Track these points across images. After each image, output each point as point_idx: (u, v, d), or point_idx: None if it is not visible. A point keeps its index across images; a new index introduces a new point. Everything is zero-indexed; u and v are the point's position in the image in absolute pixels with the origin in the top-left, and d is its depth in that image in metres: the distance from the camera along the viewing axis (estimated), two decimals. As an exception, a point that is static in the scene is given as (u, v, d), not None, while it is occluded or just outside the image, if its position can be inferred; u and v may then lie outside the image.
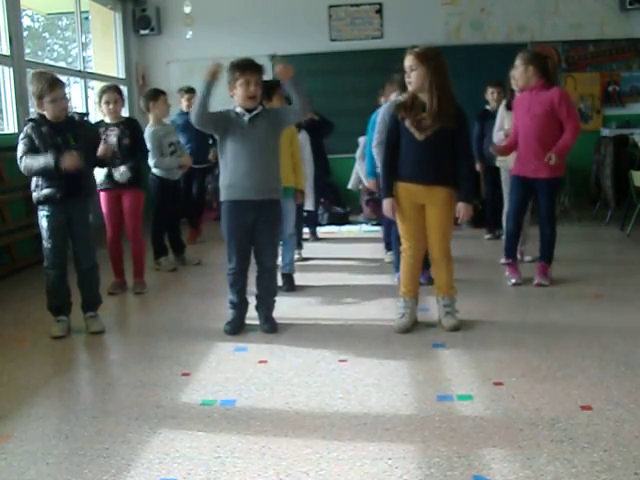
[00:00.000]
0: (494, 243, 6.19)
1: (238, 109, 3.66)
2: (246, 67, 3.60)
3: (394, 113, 3.68)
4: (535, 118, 4.35)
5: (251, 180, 3.64)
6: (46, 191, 3.74)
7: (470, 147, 3.80)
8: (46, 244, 3.80)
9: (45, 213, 3.78)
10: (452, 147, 3.58)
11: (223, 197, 3.74)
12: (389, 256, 5.32)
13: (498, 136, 5.34)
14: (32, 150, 3.66)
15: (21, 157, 3.68)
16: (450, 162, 3.61)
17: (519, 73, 4.42)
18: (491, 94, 6.07)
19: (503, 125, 5.30)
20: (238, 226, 3.72)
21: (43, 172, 3.66)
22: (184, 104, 6.38)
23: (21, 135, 3.75)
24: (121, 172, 4.65)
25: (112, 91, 4.68)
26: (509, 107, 5.13)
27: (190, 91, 6.31)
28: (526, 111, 4.40)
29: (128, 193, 4.76)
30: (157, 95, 5.46)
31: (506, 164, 5.27)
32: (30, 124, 3.73)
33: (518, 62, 4.41)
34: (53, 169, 3.59)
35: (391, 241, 4.91)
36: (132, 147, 4.74)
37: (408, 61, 3.52)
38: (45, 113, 3.73)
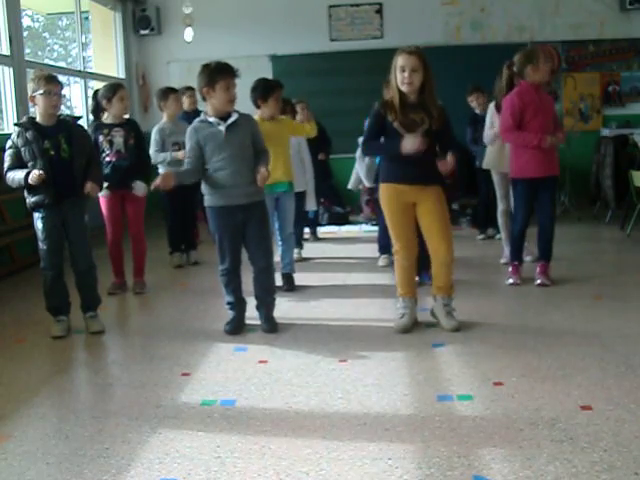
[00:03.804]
0: (489, 243, 6.22)
1: (211, 119, 3.61)
2: (226, 71, 3.56)
3: (380, 111, 3.63)
4: (547, 116, 4.37)
5: (234, 188, 3.63)
6: (35, 198, 3.74)
7: (455, 140, 3.80)
8: (42, 245, 3.80)
9: (40, 215, 3.78)
10: (438, 146, 3.61)
11: (207, 203, 3.73)
12: (382, 259, 5.31)
13: (489, 135, 5.34)
14: (17, 161, 3.68)
15: (5, 172, 3.71)
16: (436, 162, 3.64)
17: (545, 70, 4.35)
18: (476, 99, 6.12)
19: (493, 124, 5.27)
20: (227, 227, 3.71)
21: (19, 185, 3.69)
22: (186, 102, 6.29)
23: (8, 143, 3.75)
24: (138, 186, 4.70)
25: (124, 89, 4.72)
26: (499, 108, 5.07)
27: (191, 89, 6.25)
28: (539, 107, 4.36)
29: (131, 195, 4.76)
30: (167, 94, 5.49)
31: (493, 165, 5.27)
32: (17, 130, 3.73)
33: (543, 57, 4.35)
34: (25, 184, 3.63)
35: (387, 243, 4.88)
36: (136, 147, 4.76)
37: (411, 61, 3.48)
38: (36, 112, 3.73)
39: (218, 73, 3.55)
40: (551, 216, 4.54)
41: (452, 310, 3.74)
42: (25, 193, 3.79)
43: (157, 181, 3.54)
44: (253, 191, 3.70)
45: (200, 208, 6.70)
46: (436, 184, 3.64)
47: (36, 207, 3.76)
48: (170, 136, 5.35)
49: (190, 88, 6.18)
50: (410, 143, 3.45)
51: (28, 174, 3.60)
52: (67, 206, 3.79)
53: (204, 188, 3.73)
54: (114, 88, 4.68)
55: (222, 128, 3.59)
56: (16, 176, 3.65)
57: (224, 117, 3.62)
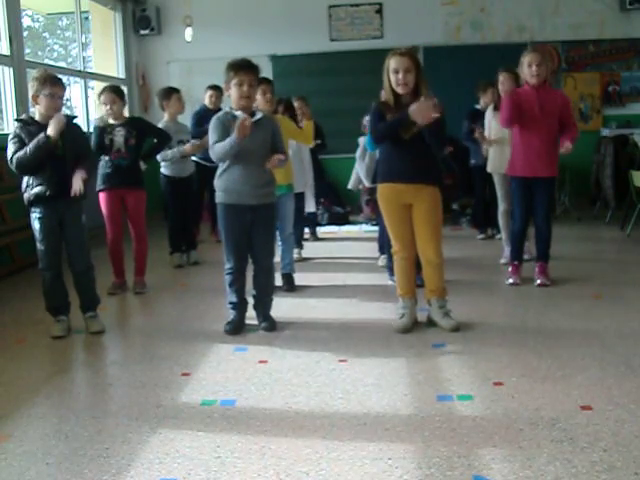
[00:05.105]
0: (489, 243, 6.22)
1: (238, 112, 3.63)
2: (240, 67, 3.58)
3: (379, 108, 3.64)
4: (548, 116, 4.35)
5: (247, 186, 3.64)
6: (37, 189, 3.72)
7: (445, 137, 3.78)
8: (40, 246, 3.79)
9: (37, 215, 3.77)
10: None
11: (219, 199, 3.74)
12: (382, 259, 5.31)
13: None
14: (23, 148, 3.65)
15: (11, 157, 3.67)
16: (433, 161, 3.66)
17: (543, 69, 4.34)
18: (492, 94, 6.07)
19: (491, 127, 5.30)
20: (235, 227, 3.72)
21: (38, 152, 3.61)
22: (207, 100, 6.41)
23: (10, 135, 3.74)
24: (100, 116, 4.71)
25: (108, 92, 4.71)
26: (497, 108, 5.14)
27: (214, 88, 6.34)
28: (535, 108, 4.34)
29: (131, 193, 4.77)
30: (170, 94, 5.56)
31: (493, 167, 5.28)
32: (19, 124, 3.74)
33: (539, 59, 4.34)
34: (47, 142, 3.58)
35: (387, 243, 4.88)
36: (138, 146, 4.77)
37: (403, 62, 3.50)
38: (36, 112, 3.73)
39: (232, 69, 3.59)
40: (545, 217, 4.53)
41: (449, 311, 3.74)
42: (23, 186, 3.78)
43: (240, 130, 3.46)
44: (265, 193, 3.71)
45: (205, 208, 6.77)
46: (434, 184, 3.65)
47: (36, 200, 3.75)
48: (175, 134, 5.40)
49: (216, 87, 6.26)
50: (419, 109, 3.39)
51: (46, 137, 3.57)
52: (64, 206, 3.78)
53: (217, 185, 3.74)
54: (99, 94, 4.78)
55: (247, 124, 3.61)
56: (28, 148, 3.60)
57: (249, 114, 3.63)
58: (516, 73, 4.68)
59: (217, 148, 3.61)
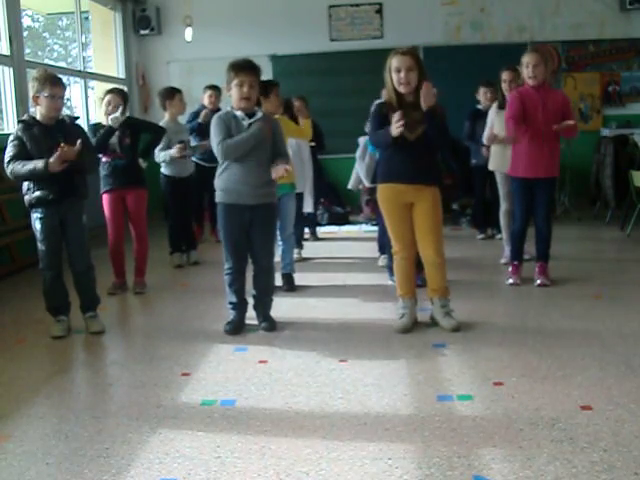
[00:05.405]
0: (489, 243, 6.22)
1: (238, 113, 3.63)
2: (241, 68, 3.58)
3: (382, 109, 3.64)
4: (549, 116, 4.34)
5: (247, 186, 3.64)
6: (38, 193, 3.71)
7: (449, 136, 3.79)
8: (40, 246, 3.79)
9: (38, 215, 3.77)
10: (436, 145, 3.64)
11: (218, 199, 3.74)
12: (382, 259, 5.31)
13: (486, 135, 5.37)
14: (22, 153, 3.64)
15: (9, 161, 3.65)
16: (434, 161, 3.68)
17: (540, 70, 4.36)
18: (484, 94, 6.07)
19: (493, 126, 5.30)
20: (234, 226, 3.71)
21: (30, 176, 3.63)
22: (206, 100, 6.44)
23: (11, 137, 3.73)
24: (115, 116, 4.61)
25: (118, 95, 4.73)
26: (501, 106, 5.15)
27: (213, 88, 6.39)
28: (538, 108, 4.35)
29: (132, 193, 4.77)
30: (173, 93, 5.57)
31: (496, 166, 5.28)
32: (20, 125, 3.73)
33: (536, 59, 4.35)
34: (43, 172, 3.56)
35: (387, 243, 4.89)
36: (133, 145, 4.77)
37: (405, 61, 3.50)
38: (37, 112, 3.73)
39: (233, 70, 3.59)
40: (545, 217, 4.53)
41: (450, 310, 3.75)
42: (24, 189, 3.77)
43: None
44: (264, 192, 3.70)
45: (205, 208, 6.77)
46: (434, 185, 3.65)
47: (37, 203, 3.74)
48: (175, 135, 5.41)
49: (215, 87, 6.33)
50: (393, 125, 3.41)
51: (46, 164, 3.53)
52: (65, 206, 3.78)
53: (216, 184, 3.73)
54: (107, 92, 4.79)
55: (245, 123, 3.61)
56: (25, 166, 3.58)
57: (249, 114, 3.64)
58: (518, 71, 4.69)
59: (231, 142, 3.58)
